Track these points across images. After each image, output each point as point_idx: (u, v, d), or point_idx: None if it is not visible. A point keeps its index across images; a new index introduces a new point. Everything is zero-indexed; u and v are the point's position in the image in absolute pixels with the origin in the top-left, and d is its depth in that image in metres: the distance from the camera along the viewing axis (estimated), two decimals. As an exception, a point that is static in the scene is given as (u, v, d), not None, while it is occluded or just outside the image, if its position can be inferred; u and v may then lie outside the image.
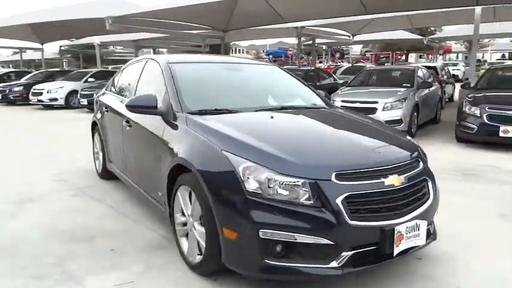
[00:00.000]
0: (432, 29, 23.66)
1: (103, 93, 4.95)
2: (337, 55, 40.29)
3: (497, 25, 17.62)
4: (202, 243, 2.52)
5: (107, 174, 4.82)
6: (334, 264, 2.20)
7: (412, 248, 2.42)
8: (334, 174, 2.24)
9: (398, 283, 2.57)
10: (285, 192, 2.20)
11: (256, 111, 3.20)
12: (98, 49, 21.14)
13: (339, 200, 2.18)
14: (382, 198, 2.30)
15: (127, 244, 3.17)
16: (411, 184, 2.46)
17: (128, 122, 3.73)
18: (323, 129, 3.08)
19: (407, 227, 2.34)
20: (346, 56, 42.45)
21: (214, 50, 21.35)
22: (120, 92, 4.37)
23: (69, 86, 14.06)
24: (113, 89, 4.70)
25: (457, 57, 42.29)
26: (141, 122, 3.46)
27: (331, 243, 2.17)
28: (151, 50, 28.58)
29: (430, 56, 37.43)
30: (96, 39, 20.33)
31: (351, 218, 2.17)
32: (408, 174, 2.48)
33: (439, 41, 24.81)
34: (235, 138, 2.54)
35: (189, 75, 3.51)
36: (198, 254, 2.61)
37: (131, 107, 3.23)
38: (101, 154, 4.86)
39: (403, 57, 37.41)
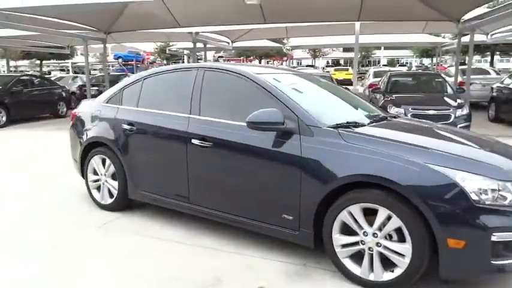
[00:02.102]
0: (284, 39, 26.17)
1: (104, 108, 4.10)
2: (191, 60, 40.64)
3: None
4: None
5: (122, 204, 4.04)
6: None
7: None
8: None
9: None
10: (508, 195, 2.37)
11: (371, 122, 3.22)
12: None
13: None
14: None
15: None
16: None
17: (203, 140, 3.24)
18: (456, 136, 3.23)
19: None
20: (199, 60, 43.07)
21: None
22: (161, 107, 3.69)
23: None
24: (131, 103, 3.93)
25: (300, 63, 47.45)
26: (241, 140, 3.07)
27: None
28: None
29: (275, 61, 41.27)
30: None
31: None
32: None
33: (293, 49, 27.61)
34: (427, 149, 2.58)
35: (288, 87, 3.29)
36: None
37: (254, 124, 2.88)
38: (112, 181, 4.02)
39: (255, 62, 40.34)
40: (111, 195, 4.10)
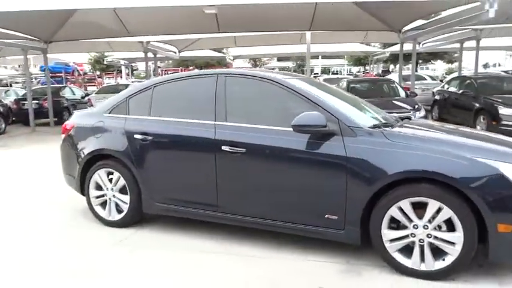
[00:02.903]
0: (224, 50, 26.36)
1: (108, 119, 3.86)
2: (127, 71, 39.28)
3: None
4: None
5: (133, 220, 3.83)
6: None
7: None
8: None
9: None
10: None
11: (395, 124, 3.39)
12: None
13: None
14: None
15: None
16: None
17: (235, 146, 3.20)
18: (473, 134, 3.52)
19: None
20: (135, 71, 41.74)
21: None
22: (179, 115, 3.56)
23: None
24: (141, 112, 3.74)
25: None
26: (279, 144, 3.10)
27: None
28: None
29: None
30: None
31: None
32: None
33: (234, 58, 27.92)
34: (467, 144, 2.81)
35: (318, 91, 3.37)
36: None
37: (299, 127, 2.93)
38: (121, 196, 3.79)
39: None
40: (119, 210, 3.86)
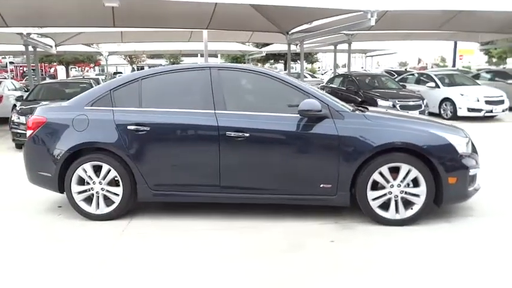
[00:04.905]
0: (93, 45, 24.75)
1: (92, 112, 3.81)
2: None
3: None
4: None
5: (124, 211, 3.88)
6: None
7: None
8: None
9: None
10: (468, 147, 3.71)
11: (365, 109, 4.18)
12: None
13: None
14: None
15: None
16: None
17: (239, 131, 3.60)
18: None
19: None
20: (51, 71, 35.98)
21: None
22: (173, 105, 3.76)
23: None
24: (129, 104, 3.81)
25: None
26: (280, 128, 3.63)
27: None
28: None
29: (81, 68, 38.29)
30: None
31: None
32: None
33: (109, 55, 26.39)
34: (420, 122, 3.77)
35: (302, 83, 3.96)
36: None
37: (304, 111, 3.51)
38: (112, 188, 3.80)
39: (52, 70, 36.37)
40: (108, 203, 3.85)
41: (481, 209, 4.01)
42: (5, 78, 19.63)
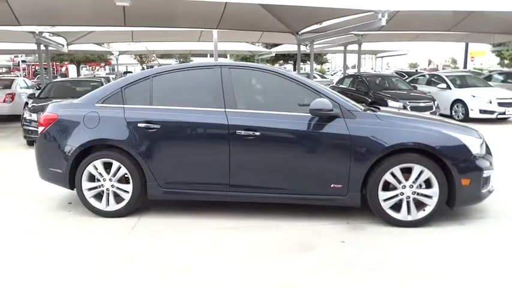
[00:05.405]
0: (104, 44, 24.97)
1: (103, 109, 3.82)
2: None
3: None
4: None
5: (133, 208, 3.89)
6: None
7: None
8: None
9: None
10: (483, 148, 3.65)
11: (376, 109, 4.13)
12: None
13: None
14: None
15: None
16: None
17: (249, 130, 3.58)
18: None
19: None
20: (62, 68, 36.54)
21: None
22: (184, 103, 3.76)
23: None
24: (140, 102, 3.82)
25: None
26: (291, 127, 3.61)
27: None
28: None
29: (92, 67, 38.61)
30: None
31: None
32: None
33: (120, 54, 26.62)
34: (433, 122, 3.71)
35: (314, 82, 3.93)
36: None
37: (316, 110, 3.48)
38: (122, 185, 3.81)
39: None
40: (118, 200, 3.86)
41: (494, 211, 3.95)
42: (17, 76, 19.83)
